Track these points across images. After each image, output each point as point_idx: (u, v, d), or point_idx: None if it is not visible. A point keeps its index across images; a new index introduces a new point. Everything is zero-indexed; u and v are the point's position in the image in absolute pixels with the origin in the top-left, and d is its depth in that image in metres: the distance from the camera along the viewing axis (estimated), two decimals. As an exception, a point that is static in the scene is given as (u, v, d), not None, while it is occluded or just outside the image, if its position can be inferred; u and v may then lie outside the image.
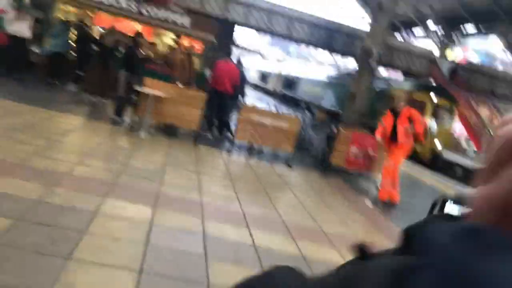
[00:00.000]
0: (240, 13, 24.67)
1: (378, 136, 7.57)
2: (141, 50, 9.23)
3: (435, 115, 17.45)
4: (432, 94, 17.27)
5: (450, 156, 20.42)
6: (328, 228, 5.37)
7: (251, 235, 4.43)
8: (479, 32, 30.03)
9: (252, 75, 47.78)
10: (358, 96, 12.85)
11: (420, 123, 7.25)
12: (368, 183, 8.94)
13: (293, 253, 4.28)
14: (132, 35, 9.84)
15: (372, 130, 13.91)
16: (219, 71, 9.33)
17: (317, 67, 56.87)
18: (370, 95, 19.69)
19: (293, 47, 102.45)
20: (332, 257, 4.44)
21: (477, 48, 41.17)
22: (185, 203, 4.96)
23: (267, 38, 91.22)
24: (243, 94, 10.29)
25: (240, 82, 9.62)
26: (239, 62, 10.21)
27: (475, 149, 22.56)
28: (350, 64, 42.90)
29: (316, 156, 9.62)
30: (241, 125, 8.75)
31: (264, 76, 42.11)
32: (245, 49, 33.95)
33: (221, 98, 9.14)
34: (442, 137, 17.51)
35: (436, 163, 17.22)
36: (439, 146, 17.15)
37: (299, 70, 36.97)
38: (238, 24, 25.43)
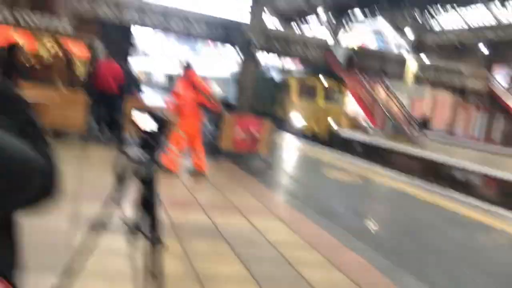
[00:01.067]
0: (135, 14, 24.43)
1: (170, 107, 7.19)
2: (19, 60, 9.00)
3: (326, 96, 18.78)
4: (322, 78, 18.55)
5: (348, 134, 21.92)
6: (203, 200, 5.78)
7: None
8: (366, 16, 32.27)
9: (159, 77, 47.46)
10: (246, 86, 13.49)
11: (203, 89, 6.94)
12: (255, 161, 9.56)
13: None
14: (7, 47, 9.52)
15: (271, 117, 14.61)
16: (103, 71, 9.38)
17: (223, 63, 57.42)
18: (268, 84, 20.68)
19: (200, 46, 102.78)
20: (199, 217, 4.86)
21: (374, 32, 43.78)
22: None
23: (173, 40, 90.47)
24: (131, 91, 10.39)
25: (126, 80, 9.73)
26: (126, 61, 10.31)
27: (372, 125, 24.42)
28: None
29: (208, 143, 10.08)
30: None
31: (171, 78, 42.11)
32: (141, 51, 33.51)
33: (107, 98, 9.21)
34: (335, 116, 18.85)
35: (334, 142, 18.49)
36: (334, 126, 18.45)
37: (206, 68, 37.36)
38: (134, 25, 25.18)
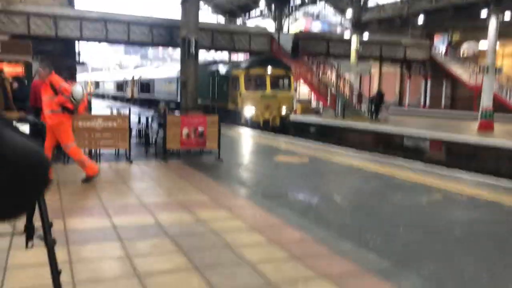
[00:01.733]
0: (72, 27, 23.86)
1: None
2: None
3: (276, 84, 19.04)
4: (269, 67, 18.78)
5: (300, 118, 22.26)
6: (148, 200, 5.82)
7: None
8: (305, 2, 32.73)
9: (108, 86, 46.68)
10: (188, 83, 13.49)
11: (64, 90, 6.50)
12: (204, 157, 9.64)
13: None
14: None
15: (220, 111, 14.66)
16: (38, 89, 9.17)
17: (172, 65, 56.96)
18: (213, 79, 20.80)
19: (150, 50, 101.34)
20: (143, 218, 4.91)
21: (316, 16, 44.36)
22: None
23: (121, 48, 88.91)
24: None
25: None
26: (70, 76, 10.10)
27: (323, 105, 24.93)
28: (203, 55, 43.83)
29: (155, 145, 10.14)
30: (77, 135, 8.75)
31: (120, 85, 41.49)
32: (84, 64, 32.80)
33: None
34: (286, 103, 19.14)
35: (287, 128, 18.83)
36: (285, 112, 18.76)
37: (155, 72, 37.13)
38: (73, 39, 24.61)
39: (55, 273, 1.86)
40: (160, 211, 5.50)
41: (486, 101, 18.70)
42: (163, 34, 25.95)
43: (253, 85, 18.88)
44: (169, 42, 26.24)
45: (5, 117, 0.74)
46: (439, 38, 36.14)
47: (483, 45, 24.67)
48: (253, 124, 17.95)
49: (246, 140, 14.38)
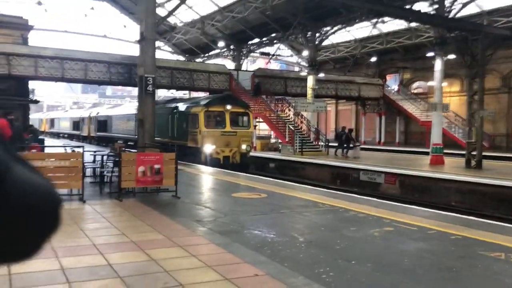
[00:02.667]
0: (26, 66, 23.40)
1: None
2: None
3: (235, 122, 19.23)
4: (228, 104, 18.99)
5: (260, 154, 22.47)
6: (100, 241, 5.68)
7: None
8: (263, 43, 33.66)
9: (63, 124, 45.59)
10: (146, 121, 13.47)
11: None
12: (160, 195, 9.54)
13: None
14: None
15: (180, 148, 14.56)
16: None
17: (126, 103, 56.63)
18: (172, 116, 20.79)
19: (109, 88, 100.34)
20: (94, 259, 4.77)
21: (279, 56, 45.37)
22: None
23: (79, 86, 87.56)
24: (23, 141, 10.01)
25: (14, 133, 9.35)
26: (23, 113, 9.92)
27: (281, 142, 25.31)
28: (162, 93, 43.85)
29: (111, 184, 9.96)
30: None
31: (76, 123, 40.58)
32: (38, 102, 32.16)
33: None
34: (246, 140, 19.32)
35: (245, 164, 18.92)
36: (243, 149, 18.88)
37: (113, 109, 36.77)
38: (27, 78, 24.08)
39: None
40: (112, 252, 5.38)
41: (435, 137, 19.57)
42: (121, 71, 25.86)
43: (212, 123, 18.98)
44: (127, 80, 26.12)
45: (17, 153, 0.70)
46: (391, 77, 37.86)
47: (432, 83, 26.06)
48: (213, 161, 17.90)
49: (205, 177, 14.34)
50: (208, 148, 18.14)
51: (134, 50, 37.75)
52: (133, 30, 37.45)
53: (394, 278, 4.68)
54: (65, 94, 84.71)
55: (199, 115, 18.53)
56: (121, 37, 38.53)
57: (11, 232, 0.63)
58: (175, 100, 27.07)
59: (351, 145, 22.50)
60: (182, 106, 20.90)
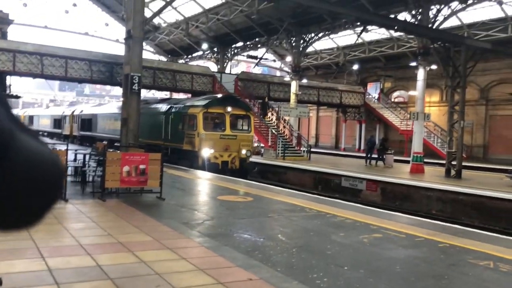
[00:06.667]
0: (4, 60, 22.79)
1: None
2: None
3: (234, 124, 18.27)
4: (229, 106, 18.06)
5: (253, 158, 22.18)
6: (87, 242, 5.51)
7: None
8: (247, 47, 33.68)
9: (44, 122, 44.32)
10: (130, 120, 13.23)
11: None
12: (145, 196, 9.37)
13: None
14: None
15: (167, 151, 14.19)
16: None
17: (112, 101, 55.74)
18: (169, 117, 19.76)
19: (87, 87, 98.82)
20: (82, 261, 4.62)
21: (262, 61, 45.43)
22: None
23: (56, 84, 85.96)
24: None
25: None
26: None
27: (263, 146, 25.25)
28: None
29: (93, 183, 9.74)
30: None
31: (57, 121, 39.33)
32: (17, 97, 31.32)
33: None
34: (246, 144, 18.47)
35: (245, 170, 18.31)
36: (243, 154, 18.02)
37: (98, 107, 35.64)
38: (5, 73, 23.46)
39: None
40: (100, 253, 5.23)
41: (416, 146, 19.84)
42: (103, 70, 25.42)
43: (211, 125, 17.95)
44: (108, 79, 25.68)
45: (23, 122, 0.70)
46: (372, 85, 38.33)
47: (413, 92, 26.47)
48: (211, 167, 16.89)
49: (189, 179, 14.17)
50: (206, 152, 17.04)
51: (115, 49, 37.33)
52: (115, 28, 37.11)
53: (387, 285, 4.67)
54: (42, 91, 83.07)
55: (198, 116, 17.28)
56: (103, 35, 38.03)
57: (15, 201, 0.64)
58: (169, 99, 26.06)
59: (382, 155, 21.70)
60: (178, 106, 19.60)
